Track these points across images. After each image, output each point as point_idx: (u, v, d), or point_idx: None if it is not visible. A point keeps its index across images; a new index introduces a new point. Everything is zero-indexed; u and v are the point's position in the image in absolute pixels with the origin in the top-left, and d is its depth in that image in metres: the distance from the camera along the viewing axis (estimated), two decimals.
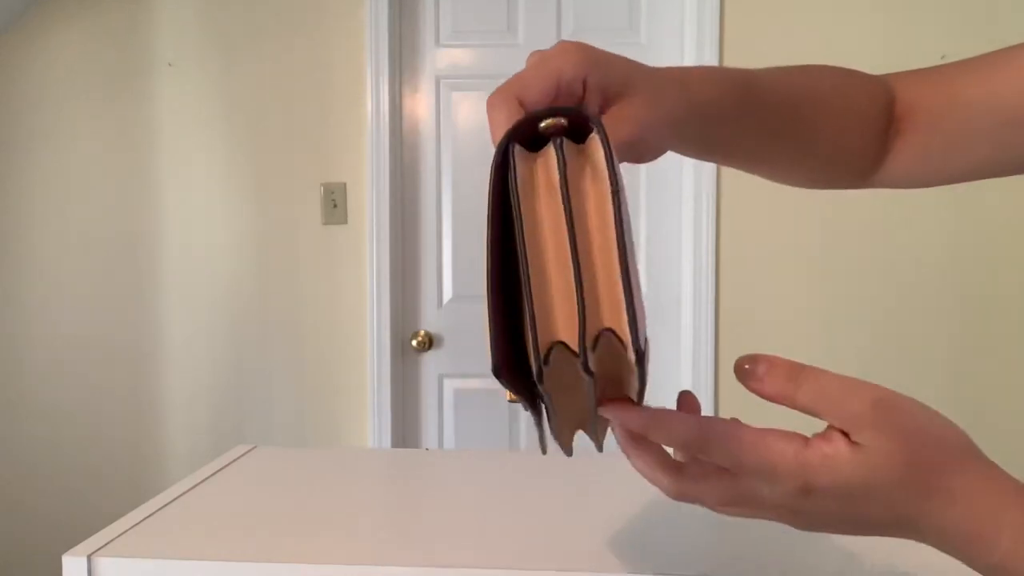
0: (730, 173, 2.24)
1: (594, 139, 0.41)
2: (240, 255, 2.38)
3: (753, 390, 0.42)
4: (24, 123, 2.39)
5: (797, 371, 0.42)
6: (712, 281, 2.28)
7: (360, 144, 2.33)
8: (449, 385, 2.45)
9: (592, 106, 0.48)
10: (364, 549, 0.61)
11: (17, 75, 2.38)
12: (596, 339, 0.38)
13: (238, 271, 2.38)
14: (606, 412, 0.42)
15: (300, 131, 2.34)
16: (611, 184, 0.39)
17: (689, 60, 2.28)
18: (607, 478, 0.76)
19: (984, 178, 0.65)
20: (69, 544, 0.61)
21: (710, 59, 2.25)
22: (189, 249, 2.38)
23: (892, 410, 0.41)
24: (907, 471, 0.40)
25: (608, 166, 0.39)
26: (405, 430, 2.44)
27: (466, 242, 2.40)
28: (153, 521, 0.66)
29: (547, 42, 2.37)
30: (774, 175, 0.65)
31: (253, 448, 0.87)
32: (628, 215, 0.40)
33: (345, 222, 2.35)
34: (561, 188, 0.40)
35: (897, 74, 0.67)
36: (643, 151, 0.50)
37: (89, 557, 0.59)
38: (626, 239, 0.38)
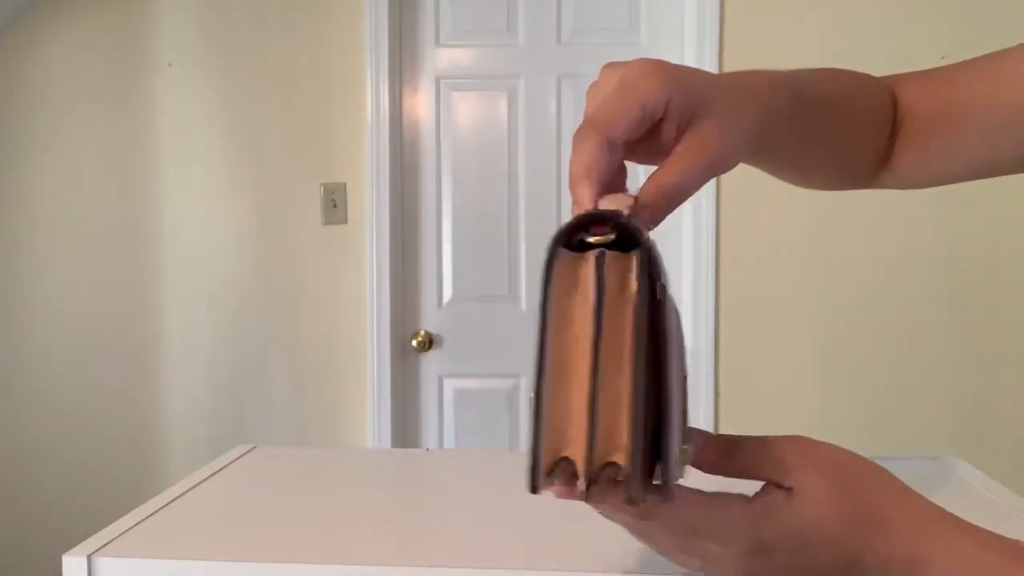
0: (729, 175, 2.23)
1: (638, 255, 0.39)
2: (240, 255, 2.38)
3: (692, 464, 0.44)
4: (24, 123, 2.39)
5: (732, 445, 0.44)
6: (712, 281, 2.28)
7: (360, 144, 2.33)
8: (449, 385, 2.45)
9: (671, 126, 0.46)
10: (364, 549, 0.61)
11: (17, 75, 2.38)
12: (602, 469, 0.39)
13: (238, 271, 2.38)
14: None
15: (300, 131, 2.34)
16: (634, 313, 0.38)
17: (689, 60, 2.27)
18: None
19: (983, 178, 0.66)
20: (69, 544, 0.61)
21: (710, 59, 2.25)
22: (189, 249, 2.38)
23: (815, 450, 0.44)
24: (839, 502, 0.42)
25: (639, 291, 0.38)
26: (405, 430, 2.44)
27: (466, 242, 2.40)
28: (153, 521, 0.66)
29: (547, 42, 2.38)
30: (800, 178, 0.64)
31: (253, 448, 0.87)
32: (672, 329, 0.39)
33: (345, 222, 2.35)
34: (594, 311, 0.39)
35: (897, 76, 0.67)
36: (723, 167, 0.49)
37: (89, 557, 0.59)
38: (663, 364, 0.39)
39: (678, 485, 0.41)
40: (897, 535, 0.42)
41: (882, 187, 0.68)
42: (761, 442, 0.44)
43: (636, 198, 0.43)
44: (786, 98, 0.53)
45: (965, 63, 0.64)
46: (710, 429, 2.44)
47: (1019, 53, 0.60)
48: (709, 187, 2.25)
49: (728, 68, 2.25)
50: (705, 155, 0.45)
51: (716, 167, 0.47)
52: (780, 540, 0.42)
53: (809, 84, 0.57)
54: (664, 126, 0.46)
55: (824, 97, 0.59)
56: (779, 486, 0.43)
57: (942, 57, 2.25)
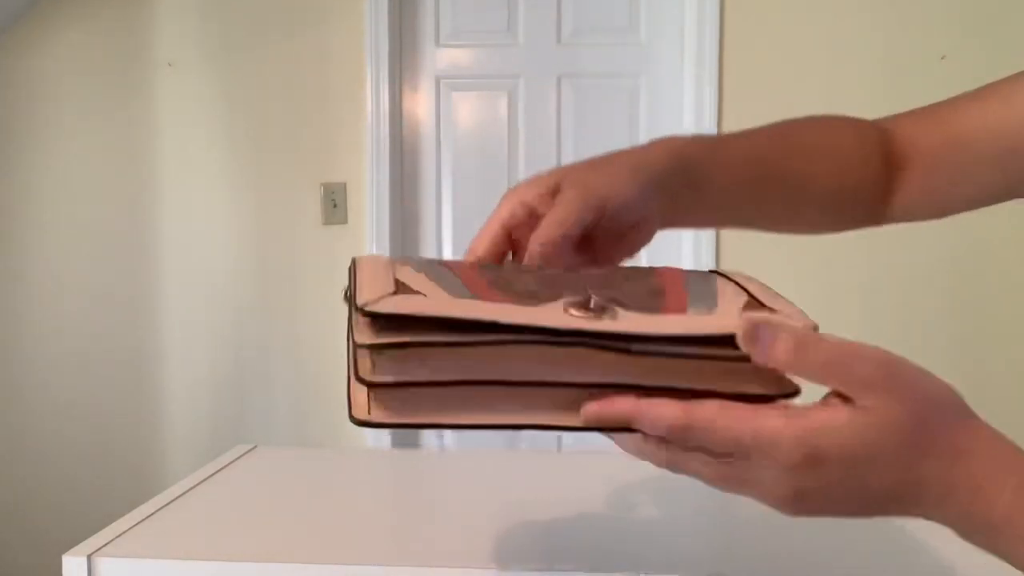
0: None
1: None
2: (240, 255, 2.38)
3: (758, 360, 0.41)
4: (24, 123, 2.39)
5: (803, 342, 0.41)
6: None
7: (360, 144, 2.33)
8: None
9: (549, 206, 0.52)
10: (364, 549, 0.61)
11: (17, 75, 2.38)
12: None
13: (238, 271, 2.38)
14: (589, 411, 0.41)
15: (300, 131, 2.34)
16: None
17: (689, 60, 2.28)
18: (607, 478, 0.76)
19: (997, 203, 0.66)
20: (69, 544, 0.61)
21: (710, 59, 2.25)
22: (189, 249, 2.38)
23: (898, 373, 0.41)
24: (914, 432, 0.40)
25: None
26: (405, 430, 2.43)
27: (466, 242, 2.40)
28: (153, 521, 0.66)
29: (547, 42, 2.38)
30: (777, 227, 0.66)
31: (253, 448, 0.87)
32: None
33: (345, 222, 2.35)
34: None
35: (891, 116, 0.68)
36: (616, 201, 0.52)
37: (89, 557, 0.59)
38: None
39: (716, 402, 0.40)
40: (966, 468, 0.41)
41: (896, 222, 0.68)
42: (842, 348, 0.41)
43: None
44: (673, 160, 0.57)
45: (966, 95, 0.65)
46: None
47: (1014, 81, 0.62)
48: None
49: (728, 68, 2.25)
50: (571, 191, 0.51)
51: (585, 199, 0.51)
52: (838, 455, 0.40)
53: (735, 140, 0.62)
54: (544, 210, 0.52)
55: (757, 147, 0.62)
56: (845, 400, 0.40)
57: (942, 57, 2.26)
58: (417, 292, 0.41)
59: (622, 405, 0.41)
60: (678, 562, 0.59)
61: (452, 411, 0.40)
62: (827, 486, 0.41)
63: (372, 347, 0.39)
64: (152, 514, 0.67)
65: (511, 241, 0.53)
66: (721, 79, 2.26)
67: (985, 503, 0.41)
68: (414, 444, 2.48)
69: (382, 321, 0.39)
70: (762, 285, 0.47)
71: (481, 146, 2.39)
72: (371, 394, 0.39)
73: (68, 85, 2.37)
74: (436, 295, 0.41)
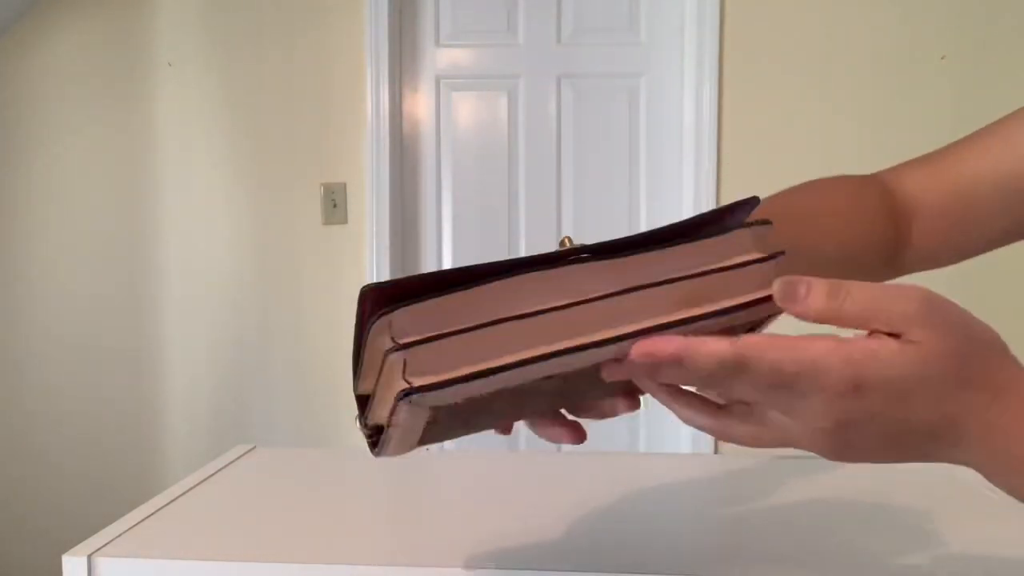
0: (730, 173, 2.23)
1: None
2: (240, 255, 2.38)
3: (797, 314, 0.41)
4: (24, 123, 2.39)
5: (837, 287, 0.41)
6: None
7: (360, 144, 2.33)
8: None
9: None
10: (364, 549, 0.61)
11: (17, 75, 2.38)
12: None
13: (238, 271, 2.38)
14: (640, 348, 0.41)
15: (300, 131, 2.34)
16: None
17: (689, 60, 2.28)
18: (607, 478, 0.76)
19: (1015, 241, 0.66)
20: (69, 544, 0.61)
21: (710, 59, 2.25)
22: (189, 249, 2.38)
23: (940, 308, 0.41)
24: (958, 364, 0.40)
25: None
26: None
27: (466, 242, 2.40)
28: (153, 521, 0.66)
29: (547, 42, 2.38)
30: None
31: (253, 448, 0.87)
32: None
33: (345, 222, 2.35)
34: None
35: (892, 169, 0.69)
36: None
37: (89, 557, 0.59)
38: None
39: (761, 335, 0.40)
40: (1006, 405, 0.41)
41: (913, 271, 0.69)
42: (878, 290, 0.41)
43: None
44: None
45: (967, 139, 0.65)
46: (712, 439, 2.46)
47: (1012, 121, 0.62)
48: (709, 187, 2.25)
49: (728, 68, 2.25)
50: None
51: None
52: (883, 384, 0.40)
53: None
54: None
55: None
56: (892, 334, 0.40)
57: (942, 57, 2.26)
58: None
59: (671, 344, 0.40)
60: (678, 562, 0.59)
61: (476, 359, 0.40)
62: (870, 418, 0.41)
63: (400, 347, 0.39)
64: (152, 514, 0.67)
65: None
66: (721, 79, 2.26)
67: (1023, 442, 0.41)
68: None
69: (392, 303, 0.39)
70: None
71: (481, 146, 2.39)
72: (405, 364, 0.39)
73: (68, 85, 2.37)
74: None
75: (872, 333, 0.41)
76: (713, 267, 0.43)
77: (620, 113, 2.36)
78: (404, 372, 0.39)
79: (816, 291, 0.41)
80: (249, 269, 2.38)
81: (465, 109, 2.40)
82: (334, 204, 2.34)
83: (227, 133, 2.36)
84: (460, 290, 0.40)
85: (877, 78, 2.23)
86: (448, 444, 2.49)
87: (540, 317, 0.40)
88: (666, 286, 0.42)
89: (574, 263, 0.41)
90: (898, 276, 0.71)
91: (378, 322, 0.39)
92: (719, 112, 2.25)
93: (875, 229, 0.66)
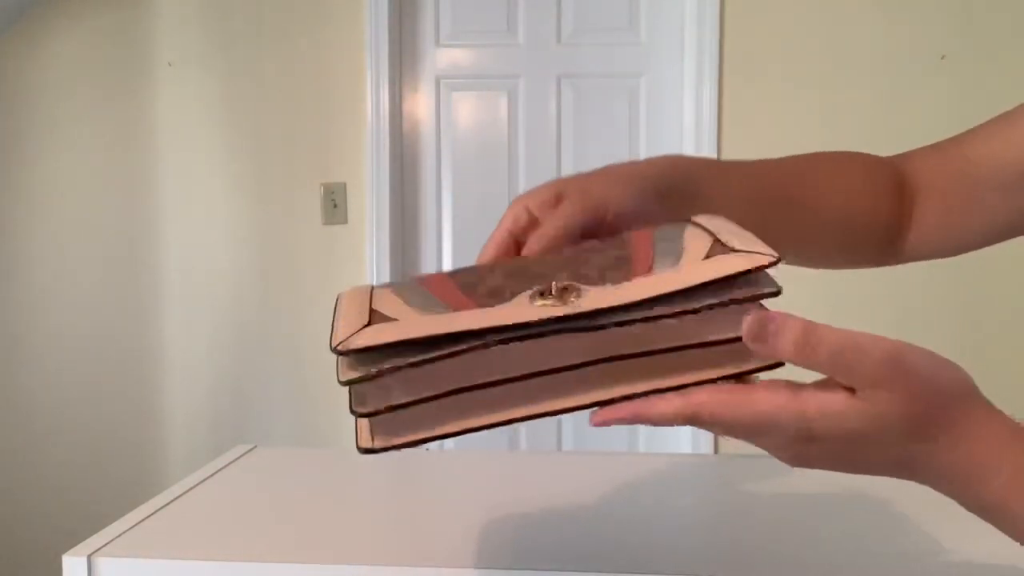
0: None
1: None
2: (240, 255, 2.38)
3: (765, 355, 0.42)
4: (24, 123, 2.39)
5: (809, 332, 0.42)
6: None
7: (360, 144, 2.33)
8: None
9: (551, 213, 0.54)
10: (364, 549, 0.61)
11: (17, 75, 2.38)
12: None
13: (238, 271, 2.38)
14: (595, 419, 0.42)
15: (300, 131, 2.34)
16: None
17: (689, 60, 2.28)
18: (607, 478, 0.76)
19: (1013, 237, 0.66)
20: (69, 544, 0.61)
21: (710, 59, 2.25)
22: (189, 249, 2.38)
23: (903, 369, 0.41)
24: (915, 422, 0.41)
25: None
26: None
27: (466, 242, 2.40)
28: (153, 521, 0.66)
29: (547, 42, 2.38)
30: (790, 250, 0.67)
31: (253, 448, 0.87)
32: None
33: (345, 222, 2.35)
34: None
35: (902, 153, 0.69)
36: (614, 207, 0.54)
37: (89, 557, 0.59)
38: None
39: (708, 389, 0.41)
40: (963, 452, 0.42)
41: (913, 259, 0.69)
42: (845, 340, 0.41)
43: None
44: (694, 159, 0.60)
45: (973, 130, 0.65)
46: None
47: (1020, 113, 0.62)
48: None
49: (728, 68, 2.25)
50: (573, 196, 0.53)
51: (584, 204, 0.53)
52: (834, 437, 0.42)
53: (751, 164, 0.63)
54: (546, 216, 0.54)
55: (773, 173, 0.63)
56: (847, 388, 0.41)
57: (942, 57, 2.26)
58: (390, 319, 0.42)
59: (624, 411, 0.42)
60: (678, 562, 0.59)
61: (451, 420, 0.41)
62: (826, 454, 0.43)
63: (351, 383, 0.40)
64: (152, 514, 0.67)
65: (517, 247, 0.54)
66: (721, 79, 2.26)
67: (980, 487, 0.42)
68: None
69: (359, 355, 0.40)
70: (727, 223, 0.47)
71: (481, 146, 2.39)
72: (370, 423, 0.42)
73: (68, 85, 2.37)
74: (407, 317, 0.42)
75: (827, 380, 0.42)
76: (701, 341, 0.43)
77: (620, 113, 2.36)
78: (362, 402, 0.41)
79: (785, 336, 0.41)
80: (249, 269, 2.38)
81: (465, 109, 2.40)
82: (334, 204, 2.34)
83: (227, 133, 2.36)
84: (427, 359, 0.40)
85: (877, 78, 2.23)
86: (448, 444, 2.48)
87: (515, 384, 0.41)
88: (644, 358, 0.42)
89: (561, 333, 0.41)
90: (894, 263, 0.70)
91: (342, 365, 0.41)
92: (719, 112, 2.25)
93: (881, 208, 0.66)
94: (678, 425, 0.42)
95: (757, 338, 0.42)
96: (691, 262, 0.43)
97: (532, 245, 0.52)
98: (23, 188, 2.40)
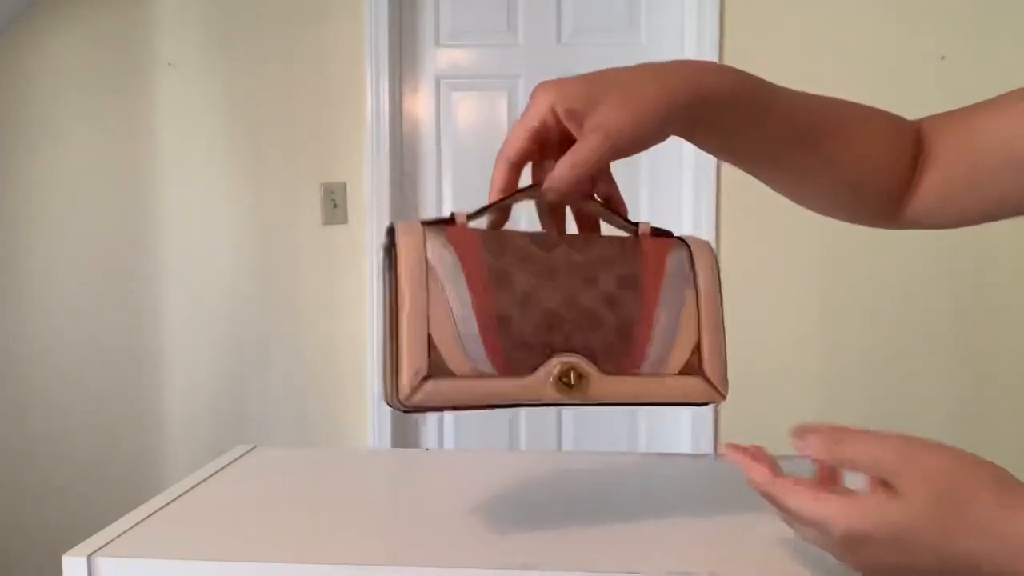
0: (730, 174, 2.23)
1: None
2: (240, 255, 2.38)
3: (806, 455, 0.49)
4: (24, 123, 2.39)
5: (838, 436, 0.48)
6: None
7: (360, 144, 2.33)
8: None
9: (575, 127, 0.57)
10: (364, 549, 0.61)
11: (17, 75, 2.38)
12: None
13: (238, 271, 2.38)
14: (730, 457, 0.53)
15: (300, 131, 2.34)
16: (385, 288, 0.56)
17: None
18: (607, 478, 0.76)
19: (1007, 218, 0.66)
20: (69, 544, 0.61)
21: (710, 59, 2.25)
22: (189, 249, 2.38)
23: (915, 457, 0.46)
24: (942, 511, 0.44)
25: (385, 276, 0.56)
26: (405, 430, 2.44)
27: None
28: (153, 521, 0.66)
29: (547, 42, 2.37)
30: (798, 190, 0.67)
31: (253, 448, 0.87)
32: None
33: (345, 222, 2.35)
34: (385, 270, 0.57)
35: (927, 117, 0.69)
36: (622, 143, 0.56)
37: (89, 557, 0.59)
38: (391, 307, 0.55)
39: (788, 478, 0.50)
40: (1008, 543, 0.43)
41: (910, 226, 0.69)
42: (869, 442, 0.47)
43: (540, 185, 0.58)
44: (732, 85, 0.61)
45: (985, 103, 0.65)
46: (710, 425, 2.45)
47: None
48: (709, 188, 2.25)
49: None
50: (595, 136, 0.55)
51: (609, 145, 0.55)
52: (879, 537, 0.45)
53: (789, 92, 0.64)
54: (571, 129, 0.56)
55: (808, 106, 0.64)
56: (885, 485, 0.46)
57: (942, 57, 2.26)
58: (447, 370, 0.53)
59: (756, 473, 0.51)
60: (677, 562, 0.59)
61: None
62: (882, 559, 0.46)
63: (403, 411, 0.54)
64: (152, 514, 0.67)
65: (539, 149, 0.58)
66: None
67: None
68: (414, 444, 2.48)
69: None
70: (716, 311, 0.60)
71: (481, 146, 2.39)
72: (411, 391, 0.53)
73: (68, 85, 2.37)
74: (458, 373, 0.54)
75: (869, 483, 0.47)
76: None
77: None
78: (409, 395, 0.53)
79: (817, 435, 0.49)
80: (249, 269, 2.38)
81: (465, 109, 2.40)
82: (334, 204, 2.34)
83: (227, 133, 2.36)
84: (479, 407, 0.55)
85: (877, 78, 2.23)
86: (448, 444, 2.48)
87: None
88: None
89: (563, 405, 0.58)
90: (893, 227, 0.70)
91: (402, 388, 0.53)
92: None
93: (895, 173, 0.66)
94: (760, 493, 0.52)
95: (800, 439, 0.49)
96: (672, 369, 0.57)
97: (552, 183, 0.57)
98: (23, 188, 2.40)
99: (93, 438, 2.42)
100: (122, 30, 2.36)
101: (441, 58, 2.40)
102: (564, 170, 0.56)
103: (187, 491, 0.73)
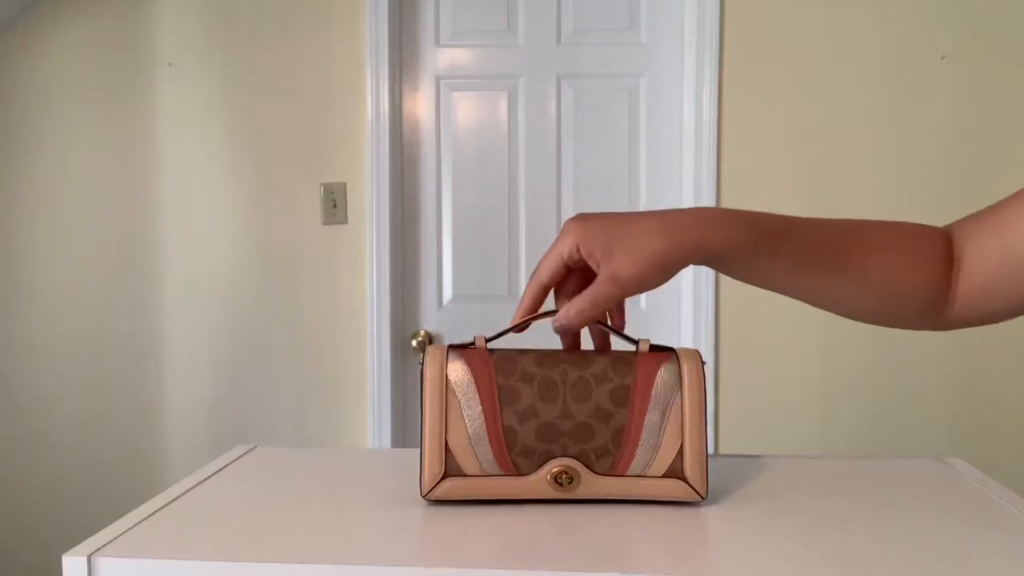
0: (730, 173, 2.23)
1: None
2: (240, 255, 2.38)
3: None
4: (24, 123, 2.39)
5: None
6: (712, 281, 2.28)
7: (360, 144, 2.33)
8: None
9: (594, 263, 0.66)
10: (364, 549, 0.61)
11: (17, 75, 2.38)
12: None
13: (238, 271, 2.38)
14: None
15: (300, 131, 2.34)
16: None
17: (689, 60, 2.28)
18: None
19: None
20: (69, 544, 0.61)
21: (709, 61, 2.25)
22: (189, 249, 2.38)
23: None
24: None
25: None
26: (405, 430, 2.44)
27: (466, 242, 2.40)
28: (153, 521, 0.66)
29: (547, 42, 2.38)
30: (838, 309, 0.72)
31: (253, 448, 0.87)
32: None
33: (345, 222, 2.35)
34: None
35: (956, 221, 0.72)
36: (640, 289, 0.66)
37: (89, 557, 0.59)
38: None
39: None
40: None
41: (958, 326, 0.72)
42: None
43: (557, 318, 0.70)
44: (742, 232, 0.66)
45: (1013, 197, 0.67)
46: (710, 426, 2.44)
47: None
48: (709, 189, 2.25)
49: (728, 68, 2.25)
50: (607, 285, 0.65)
51: (619, 292, 0.65)
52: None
53: (806, 223, 0.69)
54: (590, 264, 0.66)
55: (827, 233, 0.68)
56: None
57: (942, 57, 2.26)
58: (460, 471, 0.67)
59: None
60: (676, 562, 0.59)
61: None
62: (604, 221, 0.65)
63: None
64: (152, 514, 0.67)
65: (567, 271, 0.68)
66: (721, 79, 2.26)
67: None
68: (414, 444, 2.48)
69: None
70: (700, 423, 0.68)
71: (481, 146, 2.39)
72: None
73: (68, 85, 2.37)
74: (469, 474, 0.67)
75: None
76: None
77: (620, 113, 2.36)
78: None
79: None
80: (249, 269, 2.38)
81: (465, 109, 2.40)
82: (334, 204, 2.34)
83: (227, 133, 2.36)
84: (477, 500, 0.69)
85: (877, 78, 2.23)
86: None
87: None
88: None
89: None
90: (937, 329, 0.73)
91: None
92: (719, 112, 2.25)
93: (930, 284, 0.69)
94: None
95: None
96: (656, 472, 0.67)
97: (560, 323, 0.68)
98: (23, 188, 2.40)
99: (93, 438, 2.42)
100: (122, 30, 2.36)
101: (441, 58, 2.40)
102: (581, 304, 0.66)
103: (187, 491, 0.73)
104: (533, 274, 0.69)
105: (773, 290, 0.70)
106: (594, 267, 0.66)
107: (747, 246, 0.66)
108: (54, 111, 2.38)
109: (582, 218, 0.66)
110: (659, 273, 0.65)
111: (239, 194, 2.37)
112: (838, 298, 0.71)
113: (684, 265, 0.66)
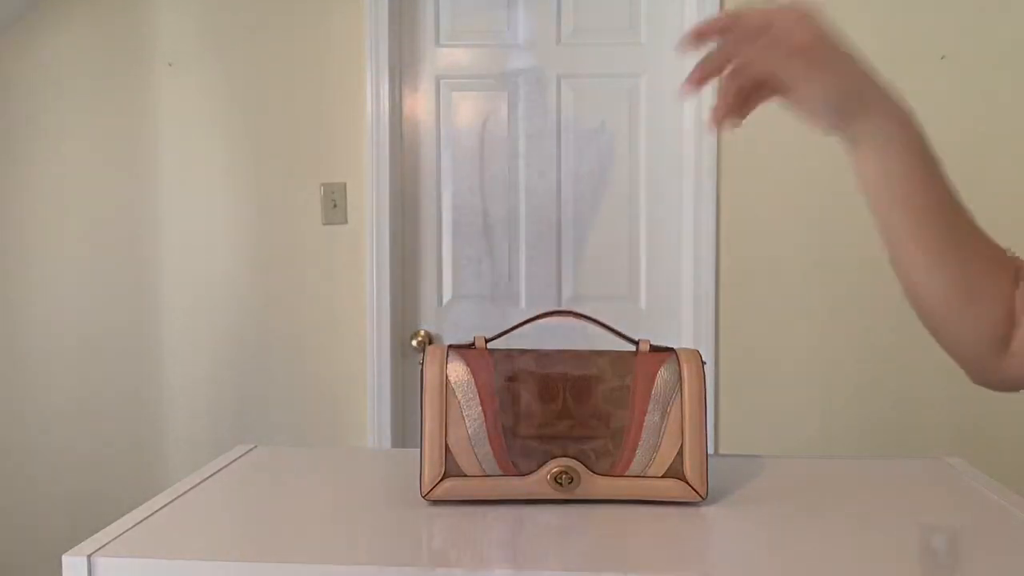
0: (730, 173, 2.23)
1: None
2: (240, 255, 2.38)
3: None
4: (24, 123, 2.39)
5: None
6: (712, 281, 2.28)
7: (360, 144, 2.33)
8: None
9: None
10: (364, 549, 0.61)
11: (17, 75, 2.38)
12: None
13: (238, 271, 2.38)
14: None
15: (300, 131, 2.34)
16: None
17: (689, 60, 2.27)
18: None
19: None
20: (69, 544, 0.61)
21: None
22: (189, 249, 2.38)
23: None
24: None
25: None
26: (405, 430, 2.44)
27: (466, 242, 2.40)
28: (153, 521, 0.66)
29: (547, 42, 2.38)
30: (917, 275, 0.73)
31: (253, 448, 0.87)
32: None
33: (345, 222, 2.35)
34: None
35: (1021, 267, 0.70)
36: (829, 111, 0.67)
37: (89, 557, 0.59)
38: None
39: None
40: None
41: (1008, 377, 0.70)
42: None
43: None
44: (913, 133, 0.68)
45: None
46: (710, 427, 2.44)
47: None
48: (709, 189, 2.25)
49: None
50: (791, 63, 0.67)
51: (793, 75, 0.67)
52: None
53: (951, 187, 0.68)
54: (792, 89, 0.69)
55: (956, 198, 0.68)
56: None
57: (942, 57, 2.26)
58: (460, 471, 0.67)
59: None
60: (676, 562, 0.59)
61: None
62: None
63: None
64: (152, 514, 0.67)
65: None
66: (721, 79, 2.25)
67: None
68: (414, 444, 2.48)
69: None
70: (700, 420, 0.69)
71: (481, 146, 2.39)
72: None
73: (68, 85, 2.37)
74: (469, 469, 0.68)
75: None
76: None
77: (620, 113, 2.36)
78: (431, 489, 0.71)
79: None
80: (249, 269, 2.38)
81: (465, 109, 2.40)
82: (334, 204, 2.34)
83: (227, 133, 2.36)
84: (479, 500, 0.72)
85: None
86: None
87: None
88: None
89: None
90: (995, 374, 0.71)
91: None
92: None
93: (1009, 316, 0.68)
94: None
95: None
96: (656, 472, 0.68)
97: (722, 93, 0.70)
98: (23, 187, 2.40)
99: (93, 438, 2.42)
100: (122, 30, 2.36)
101: (441, 58, 2.40)
102: (766, 50, 0.68)
103: (187, 491, 0.73)
104: (729, 23, 0.68)
105: (877, 212, 0.69)
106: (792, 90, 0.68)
107: (918, 173, 0.67)
108: (53, 111, 2.38)
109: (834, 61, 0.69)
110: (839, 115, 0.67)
111: (239, 194, 2.37)
112: (931, 266, 0.69)
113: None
